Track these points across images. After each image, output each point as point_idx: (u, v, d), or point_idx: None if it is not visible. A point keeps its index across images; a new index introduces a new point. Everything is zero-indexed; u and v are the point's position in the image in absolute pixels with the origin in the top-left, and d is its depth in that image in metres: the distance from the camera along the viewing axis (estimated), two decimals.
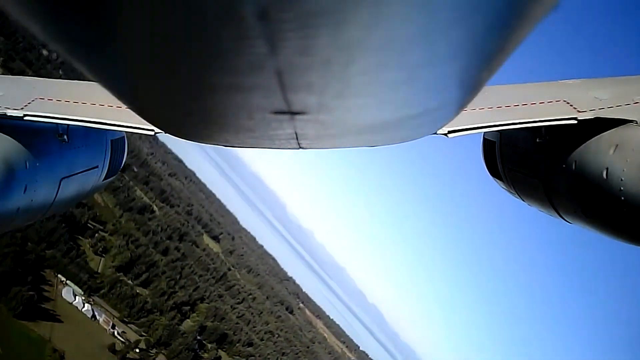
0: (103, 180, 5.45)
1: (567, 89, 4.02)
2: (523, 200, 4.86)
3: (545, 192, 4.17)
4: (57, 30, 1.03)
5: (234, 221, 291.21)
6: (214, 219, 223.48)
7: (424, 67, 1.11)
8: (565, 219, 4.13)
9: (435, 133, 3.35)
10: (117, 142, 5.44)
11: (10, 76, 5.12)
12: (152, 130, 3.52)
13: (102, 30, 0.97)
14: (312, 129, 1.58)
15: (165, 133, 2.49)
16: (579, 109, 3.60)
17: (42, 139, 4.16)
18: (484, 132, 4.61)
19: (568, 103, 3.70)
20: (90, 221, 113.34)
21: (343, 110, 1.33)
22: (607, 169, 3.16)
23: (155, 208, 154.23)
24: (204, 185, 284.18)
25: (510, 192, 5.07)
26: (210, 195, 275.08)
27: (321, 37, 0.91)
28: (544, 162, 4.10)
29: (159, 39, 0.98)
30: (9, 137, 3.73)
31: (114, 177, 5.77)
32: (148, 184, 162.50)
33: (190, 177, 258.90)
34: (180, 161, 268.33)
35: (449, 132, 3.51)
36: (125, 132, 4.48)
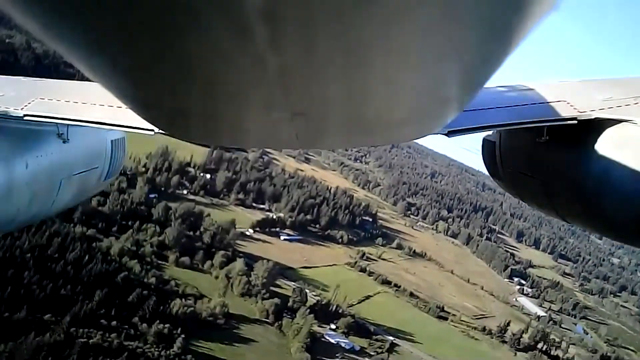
0: (103, 181, 5.51)
1: (567, 89, 4.05)
2: (523, 201, 4.90)
3: (545, 193, 4.21)
4: (57, 30, 1.03)
5: None
6: None
7: (424, 67, 1.12)
8: (566, 219, 4.18)
9: (436, 133, 3.48)
10: (117, 142, 5.48)
11: (10, 76, 4.95)
12: (152, 130, 3.55)
13: (102, 30, 0.97)
14: (312, 129, 1.58)
15: (166, 133, 2.52)
16: (579, 109, 3.63)
17: (42, 139, 4.21)
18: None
19: (568, 103, 3.74)
20: None
21: (343, 110, 1.33)
22: (607, 169, 3.24)
23: None
24: None
25: (511, 193, 5.10)
26: None
27: (322, 38, 0.92)
28: (544, 162, 4.12)
29: (159, 39, 0.98)
30: (9, 137, 3.83)
31: (113, 177, 5.78)
32: None
33: None
34: None
35: (449, 132, 3.57)
36: (125, 132, 4.53)
